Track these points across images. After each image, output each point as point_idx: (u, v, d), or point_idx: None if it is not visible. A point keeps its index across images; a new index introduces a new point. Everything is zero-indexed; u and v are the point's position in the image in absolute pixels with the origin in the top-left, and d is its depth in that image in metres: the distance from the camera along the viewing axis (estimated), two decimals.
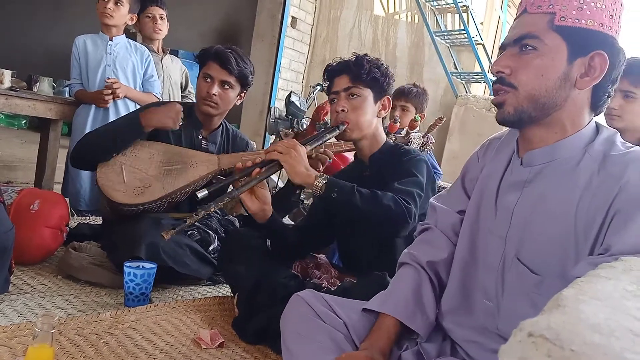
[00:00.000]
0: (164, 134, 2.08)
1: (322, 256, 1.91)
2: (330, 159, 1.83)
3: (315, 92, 3.57)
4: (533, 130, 0.99)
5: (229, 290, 1.94)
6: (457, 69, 5.33)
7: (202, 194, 1.47)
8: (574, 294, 0.52)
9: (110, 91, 2.61)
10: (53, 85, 3.00)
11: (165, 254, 1.79)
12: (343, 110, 1.66)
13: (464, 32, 5.03)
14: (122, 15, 2.69)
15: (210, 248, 2.03)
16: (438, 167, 2.98)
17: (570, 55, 0.93)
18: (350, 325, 1.11)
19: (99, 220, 2.46)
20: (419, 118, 2.69)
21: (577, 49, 0.92)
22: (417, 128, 2.68)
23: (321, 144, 1.69)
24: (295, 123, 3.17)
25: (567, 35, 0.92)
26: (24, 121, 6.08)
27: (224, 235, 2.11)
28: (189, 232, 2.01)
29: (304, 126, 3.14)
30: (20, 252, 1.76)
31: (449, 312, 1.09)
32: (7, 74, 2.59)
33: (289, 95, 3.23)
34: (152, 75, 2.88)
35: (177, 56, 3.63)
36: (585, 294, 0.52)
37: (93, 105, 2.67)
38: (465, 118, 4.86)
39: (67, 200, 2.17)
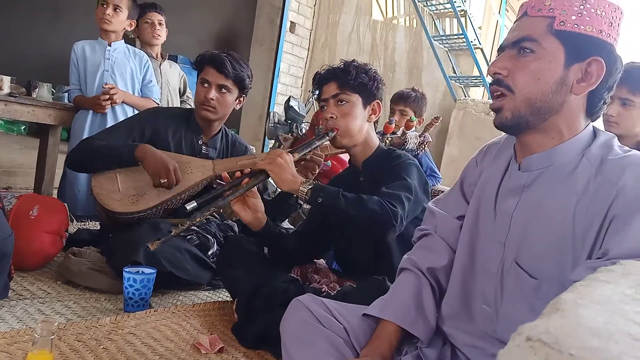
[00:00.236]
0: (163, 140, 2.08)
1: (321, 261, 1.91)
2: (319, 165, 1.81)
3: (314, 97, 3.58)
4: (530, 136, 0.99)
5: (229, 295, 1.93)
6: (455, 73, 5.33)
7: (191, 206, 1.50)
8: (573, 298, 0.52)
9: (107, 97, 2.61)
10: (52, 91, 3.00)
11: (164, 259, 1.79)
12: (332, 117, 1.67)
13: (463, 36, 5.04)
14: (121, 21, 2.70)
15: (210, 253, 2.03)
16: (437, 171, 2.98)
17: (568, 59, 0.93)
18: (350, 330, 1.10)
19: (97, 225, 2.46)
20: (415, 119, 2.69)
21: (575, 54, 0.93)
22: (413, 128, 2.68)
23: (310, 151, 1.71)
24: (294, 128, 3.18)
25: (565, 40, 0.93)
26: (23, 127, 6.08)
27: (223, 240, 2.11)
28: (188, 237, 2.01)
29: (303, 131, 3.14)
30: (20, 257, 1.76)
31: (449, 317, 1.09)
32: (7, 80, 2.60)
33: (288, 100, 3.24)
34: (151, 81, 2.88)
35: (176, 62, 3.64)
36: (584, 297, 0.52)
37: (91, 111, 2.67)
38: (464, 122, 4.87)
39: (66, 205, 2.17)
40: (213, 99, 2.03)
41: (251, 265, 1.69)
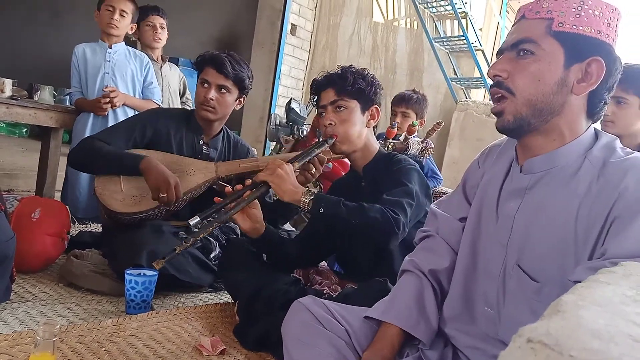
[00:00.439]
0: (165, 140, 2.08)
1: (322, 263, 1.91)
2: (316, 169, 1.79)
3: (315, 99, 3.57)
4: (532, 138, 0.99)
5: (230, 297, 1.93)
6: (456, 74, 5.34)
7: (194, 221, 1.49)
8: (574, 299, 0.52)
9: (107, 99, 2.62)
10: (54, 93, 3.01)
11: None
12: (331, 124, 1.67)
13: (463, 38, 5.05)
14: (126, 25, 2.73)
15: (212, 255, 2.03)
16: (438, 173, 2.97)
17: (567, 60, 0.93)
18: (351, 332, 1.11)
19: (99, 227, 2.46)
20: (417, 123, 2.69)
21: (574, 54, 0.93)
22: (416, 133, 2.68)
23: (310, 159, 1.71)
24: (295, 130, 3.18)
25: (564, 41, 0.93)
26: (25, 129, 6.10)
27: (225, 242, 2.11)
28: None
29: (304, 133, 3.14)
30: (22, 260, 1.76)
31: (451, 319, 1.09)
32: (8, 83, 2.61)
33: (289, 102, 3.24)
34: (152, 82, 2.89)
35: (177, 64, 3.65)
36: (585, 299, 0.52)
37: (92, 113, 2.68)
38: (465, 123, 4.87)
39: (68, 207, 2.17)
40: (213, 99, 2.04)
41: (252, 268, 1.69)
